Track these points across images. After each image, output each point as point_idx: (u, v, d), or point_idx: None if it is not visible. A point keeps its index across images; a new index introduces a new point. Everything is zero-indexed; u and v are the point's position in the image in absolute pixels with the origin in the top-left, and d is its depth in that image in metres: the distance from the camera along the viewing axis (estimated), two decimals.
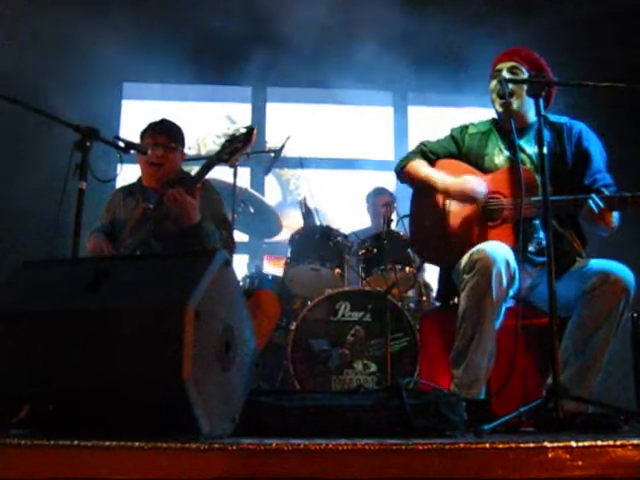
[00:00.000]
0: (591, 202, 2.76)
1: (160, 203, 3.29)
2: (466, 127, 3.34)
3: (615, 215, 2.95)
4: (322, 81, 6.29)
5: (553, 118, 3.12)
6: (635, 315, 3.60)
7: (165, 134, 3.53)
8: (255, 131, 3.30)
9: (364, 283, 4.23)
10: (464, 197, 3.09)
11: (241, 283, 4.47)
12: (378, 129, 6.70)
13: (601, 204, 2.74)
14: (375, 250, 4.25)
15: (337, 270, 4.22)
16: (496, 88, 3.10)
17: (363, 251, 4.29)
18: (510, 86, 3.02)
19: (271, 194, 6.36)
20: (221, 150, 3.29)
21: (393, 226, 4.54)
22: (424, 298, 4.33)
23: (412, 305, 4.38)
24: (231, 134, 3.33)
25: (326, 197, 6.02)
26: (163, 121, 3.61)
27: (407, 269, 4.18)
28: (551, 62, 3.21)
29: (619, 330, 2.80)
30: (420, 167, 3.27)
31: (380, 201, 5.24)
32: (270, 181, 6.38)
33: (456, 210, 3.14)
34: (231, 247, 3.46)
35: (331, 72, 6.10)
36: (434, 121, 6.41)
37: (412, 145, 6.14)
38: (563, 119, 3.19)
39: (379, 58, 5.97)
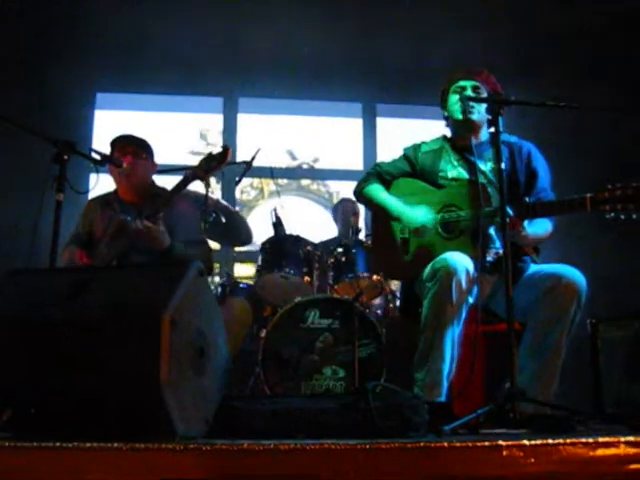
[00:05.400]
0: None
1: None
2: (418, 146, 3.45)
3: (546, 226, 3.14)
4: (293, 92, 6.40)
5: (504, 137, 3.19)
6: (594, 321, 3.72)
7: (132, 144, 3.62)
8: (230, 151, 3.44)
9: (333, 291, 4.32)
10: (414, 229, 3.22)
11: (213, 291, 4.54)
12: (347, 140, 6.81)
13: (511, 213, 2.82)
14: (343, 259, 4.36)
15: (307, 278, 4.29)
16: (457, 103, 3.24)
17: (332, 260, 4.38)
18: (471, 104, 3.17)
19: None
20: (197, 167, 3.41)
21: (361, 235, 4.65)
22: (391, 305, 4.43)
23: (379, 312, 4.48)
24: (208, 152, 3.45)
25: (296, 207, 6.13)
26: (126, 134, 3.70)
27: (374, 277, 4.28)
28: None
29: (572, 332, 2.92)
30: (376, 193, 3.38)
31: (345, 209, 5.37)
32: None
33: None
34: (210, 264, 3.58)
35: (301, 83, 6.20)
36: (402, 133, 6.53)
37: (380, 155, 6.34)
38: (513, 138, 3.34)
39: (348, 70, 6.10)
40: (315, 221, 6.01)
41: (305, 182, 7.10)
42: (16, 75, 5.56)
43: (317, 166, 7.00)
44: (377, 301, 4.62)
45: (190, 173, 3.42)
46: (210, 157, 3.43)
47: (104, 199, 3.73)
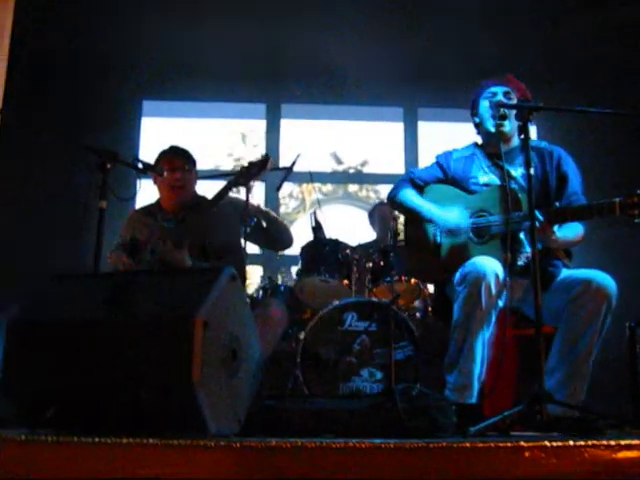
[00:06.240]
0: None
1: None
2: (450, 153, 3.53)
3: (577, 229, 3.16)
4: (334, 97, 6.47)
5: (534, 143, 3.27)
6: (632, 325, 3.70)
7: (180, 157, 3.77)
8: (270, 159, 3.55)
9: (371, 294, 4.38)
10: (448, 229, 3.28)
11: (255, 294, 4.64)
12: (389, 144, 6.84)
13: (541, 218, 2.86)
14: (382, 262, 4.42)
15: (345, 281, 4.35)
16: (489, 110, 3.29)
17: (370, 263, 4.44)
18: (502, 110, 3.21)
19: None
20: (238, 175, 3.54)
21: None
22: (429, 308, 4.47)
23: (418, 315, 4.52)
24: (248, 161, 3.57)
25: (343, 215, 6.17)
26: (174, 146, 3.85)
27: (412, 280, 4.33)
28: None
29: (602, 336, 2.95)
30: (409, 197, 3.46)
31: (382, 213, 5.41)
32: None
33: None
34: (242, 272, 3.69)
35: (343, 89, 6.26)
36: (443, 136, 6.55)
37: (422, 159, 6.36)
38: (543, 144, 3.37)
39: (389, 75, 6.14)
40: (363, 229, 6.02)
41: (353, 188, 7.15)
42: (64, 83, 5.72)
43: (365, 170, 7.05)
44: (416, 304, 4.66)
45: (231, 181, 3.55)
46: (250, 165, 3.56)
47: (147, 209, 3.91)
